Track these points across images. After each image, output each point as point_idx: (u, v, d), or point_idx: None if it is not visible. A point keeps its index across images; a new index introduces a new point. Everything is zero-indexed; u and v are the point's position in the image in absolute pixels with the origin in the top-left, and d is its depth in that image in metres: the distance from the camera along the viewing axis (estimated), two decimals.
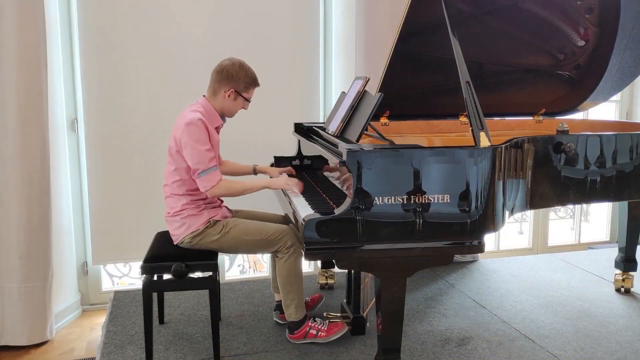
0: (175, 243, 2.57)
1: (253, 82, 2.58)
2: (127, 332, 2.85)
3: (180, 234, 2.53)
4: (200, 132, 2.41)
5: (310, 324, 2.65)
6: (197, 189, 2.50)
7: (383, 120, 3.17)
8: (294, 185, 2.56)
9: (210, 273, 2.47)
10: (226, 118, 2.64)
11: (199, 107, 2.52)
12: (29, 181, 2.85)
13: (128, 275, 3.70)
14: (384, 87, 2.76)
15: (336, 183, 2.40)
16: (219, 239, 2.51)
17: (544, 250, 4.52)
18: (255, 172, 2.91)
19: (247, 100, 2.60)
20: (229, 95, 2.53)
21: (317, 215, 2.02)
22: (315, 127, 2.91)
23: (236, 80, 2.52)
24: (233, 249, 2.58)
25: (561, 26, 3.08)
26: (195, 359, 2.58)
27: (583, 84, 3.36)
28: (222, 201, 2.69)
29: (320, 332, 2.64)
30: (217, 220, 2.54)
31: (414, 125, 3.32)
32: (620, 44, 3.16)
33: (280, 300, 2.69)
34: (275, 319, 2.94)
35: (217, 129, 2.59)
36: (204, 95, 2.60)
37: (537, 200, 2.53)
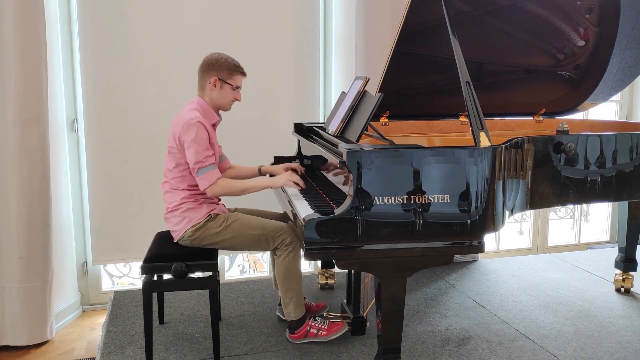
0: (175, 240, 2.57)
1: (235, 67, 2.56)
2: (127, 332, 2.85)
3: (180, 229, 2.53)
4: (199, 133, 2.43)
5: (310, 323, 2.65)
6: (197, 185, 2.53)
7: (383, 120, 3.17)
8: (297, 181, 2.52)
9: (210, 273, 2.47)
10: (222, 114, 2.64)
11: (195, 106, 2.54)
12: (29, 181, 2.85)
13: (128, 275, 3.70)
14: (384, 87, 2.76)
15: (336, 183, 2.40)
16: (220, 232, 2.51)
17: (544, 250, 4.52)
18: (260, 172, 2.91)
19: (235, 88, 2.58)
20: (214, 85, 2.54)
21: (317, 215, 2.02)
22: (315, 127, 2.91)
23: (217, 68, 2.53)
24: (234, 245, 2.57)
25: (561, 26, 3.08)
26: (195, 359, 2.58)
27: (583, 84, 3.36)
28: (219, 199, 2.70)
29: (320, 331, 2.65)
30: (218, 214, 2.55)
31: (414, 125, 3.32)
32: (620, 44, 3.16)
33: None
34: (277, 314, 2.95)
35: (214, 126, 2.61)
36: (198, 95, 2.61)
37: (537, 200, 2.53)
